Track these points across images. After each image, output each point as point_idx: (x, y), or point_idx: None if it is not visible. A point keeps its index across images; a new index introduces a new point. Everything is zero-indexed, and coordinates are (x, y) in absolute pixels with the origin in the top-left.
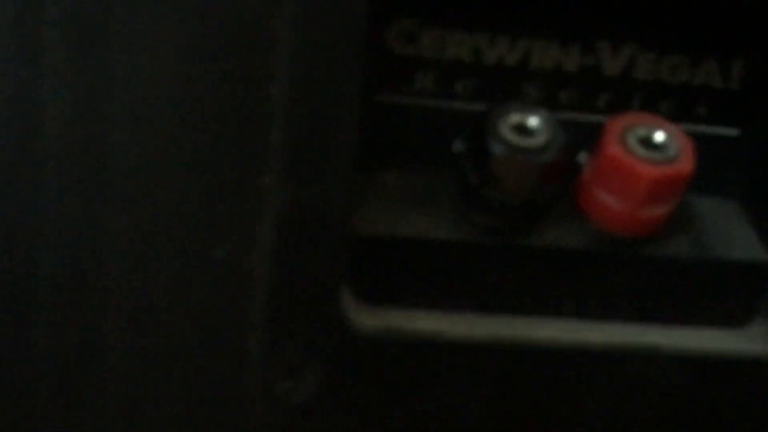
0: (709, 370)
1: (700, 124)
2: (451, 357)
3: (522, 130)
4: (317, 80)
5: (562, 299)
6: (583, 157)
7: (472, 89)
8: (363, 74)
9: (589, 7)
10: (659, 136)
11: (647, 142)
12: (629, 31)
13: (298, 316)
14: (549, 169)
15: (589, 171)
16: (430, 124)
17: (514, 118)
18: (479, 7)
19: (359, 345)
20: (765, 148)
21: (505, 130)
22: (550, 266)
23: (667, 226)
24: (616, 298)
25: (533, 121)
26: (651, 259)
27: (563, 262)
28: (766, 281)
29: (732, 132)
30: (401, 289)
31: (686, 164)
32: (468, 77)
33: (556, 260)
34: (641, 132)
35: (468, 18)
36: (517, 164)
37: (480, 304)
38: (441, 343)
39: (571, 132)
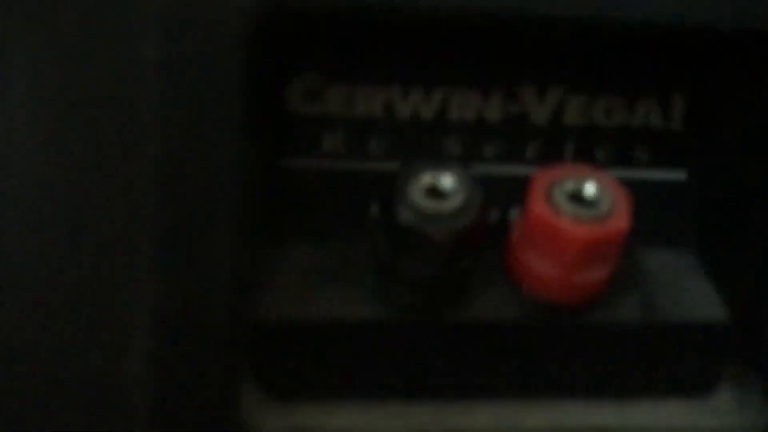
0: None
1: (642, 168)
2: None
3: (434, 192)
4: (189, 154)
5: (498, 379)
6: (514, 214)
7: (386, 147)
8: (244, 145)
9: (509, 51)
10: (590, 190)
11: (576, 198)
12: (555, 74)
13: (187, 423)
14: (468, 234)
15: (517, 232)
16: (342, 188)
17: (426, 179)
18: (388, 58)
19: None
20: (716, 190)
21: (415, 194)
22: (482, 342)
23: (612, 288)
24: (558, 374)
25: (447, 182)
26: (594, 328)
27: (496, 336)
28: (728, 343)
29: (679, 175)
30: (312, 381)
31: (621, 220)
32: (381, 134)
33: (488, 335)
34: (569, 186)
35: (376, 70)
36: (430, 232)
37: (405, 392)
38: None
39: (495, 189)
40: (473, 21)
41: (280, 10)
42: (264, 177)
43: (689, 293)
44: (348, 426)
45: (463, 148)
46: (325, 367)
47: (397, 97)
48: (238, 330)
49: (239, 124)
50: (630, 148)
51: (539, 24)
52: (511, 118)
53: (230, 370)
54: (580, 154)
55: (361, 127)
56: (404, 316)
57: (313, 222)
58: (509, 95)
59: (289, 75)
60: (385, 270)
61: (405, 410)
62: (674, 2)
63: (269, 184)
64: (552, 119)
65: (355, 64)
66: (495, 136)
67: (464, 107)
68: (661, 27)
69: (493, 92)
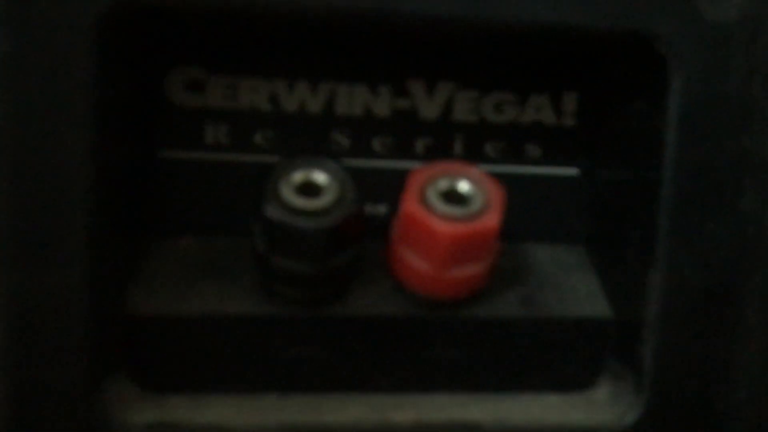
0: None
1: (534, 165)
2: None
3: (306, 188)
4: (40, 148)
5: (375, 374)
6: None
7: (272, 141)
8: (94, 134)
9: (397, 46)
10: (463, 188)
11: (449, 196)
12: (444, 70)
13: (48, 419)
14: (341, 230)
15: (394, 229)
16: (227, 181)
17: (298, 175)
18: (272, 50)
19: None
20: (606, 187)
21: (286, 190)
22: (359, 337)
23: (495, 283)
24: (436, 369)
25: (320, 178)
26: (472, 322)
27: (373, 331)
28: (608, 339)
29: (571, 172)
30: (186, 375)
31: (491, 218)
32: (266, 128)
33: (365, 330)
34: (443, 184)
35: (262, 63)
36: (298, 230)
37: (279, 386)
38: None
39: (383, 184)
40: (354, 19)
41: (131, 2)
42: (145, 169)
43: (573, 289)
44: (220, 420)
45: (352, 143)
46: (200, 361)
47: (282, 90)
48: (104, 323)
49: (92, 116)
50: (521, 145)
51: (423, 22)
52: (399, 113)
53: (94, 363)
54: (470, 150)
55: (246, 120)
56: (281, 311)
57: (197, 215)
58: (398, 90)
59: (168, 66)
60: (263, 265)
61: (278, 404)
62: (552, 3)
63: (151, 176)
64: (441, 115)
65: (237, 56)
66: (383, 131)
67: (352, 101)
68: (540, 27)
69: (381, 87)
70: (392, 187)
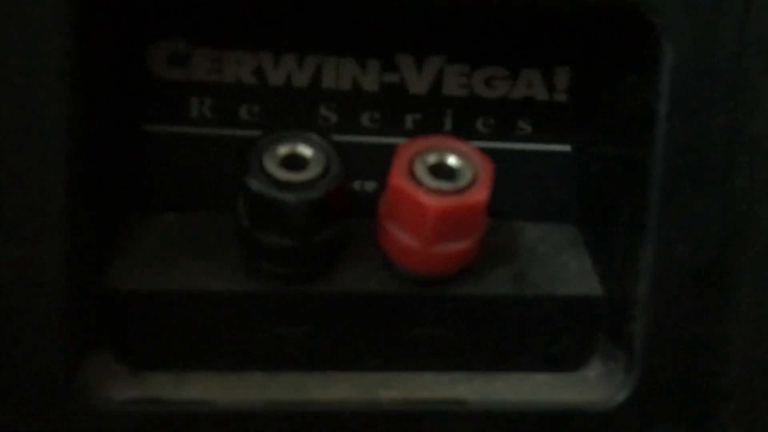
0: (529, 427)
1: (524, 141)
2: (219, 430)
3: (292, 162)
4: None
5: (362, 351)
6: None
7: (257, 115)
8: (72, 107)
9: (385, 19)
10: (451, 163)
11: (437, 170)
12: (434, 44)
13: (28, 396)
14: (325, 204)
15: (382, 204)
16: (211, 156)
17: (282, 148)
18: (259, 22)
19: (108, 419)
20: (598, 164)
21: (270, 163)
22: (346, 314)
23: (485, 260)
24: (424, 347)
25: (305, 152)
26: (461, 299)
27: (360, 308)
28: (600, 317)
29: (563, 148)
30: (170, 351)
31: (479, 193)
32: (252, 102)
33: (352, 307)
34: (431, 158)
35: (247, 35)
36: (281, 203)
37: (264, 363)
38: (206, 414)
39: (372, 159)
40: None
41: None
42: (128, 143)
43: (564, 267)
44: (204, 397)
45: (339, 118)
46: (183, 338)
47: (268, 63)
48: (84, 298)
49: (69, 88)
50: (513, 121)
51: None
52: (388, 87)
53: (74, 339)
54: (460, 126)
55: (231, 94)
56: (265, 288)
57: (181, 190)
58: (386, 64)
59: (151, 38)
60: (247, 240)
61: (263, 382)
62: None
63: (134, 150)
64: (431, 90)
65: (222, 29)
66: (372, 106)
67: (339, 76)
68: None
69: (369, 61)
70: (381, 163)
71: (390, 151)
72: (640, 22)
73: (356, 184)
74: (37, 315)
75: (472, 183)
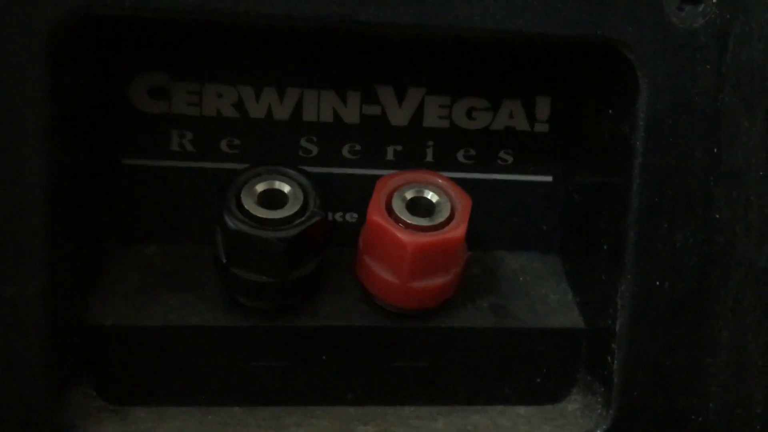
0: None
1: (506, 172)
2: None
3: (270, 198)
4: None
5: (341, 385)
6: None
7: (238, 148)
8: (49, 144)
9: (367, 51)
10: (429, 198)
11: (415, 205)
12: (415, 76)
13: (8, 429)
14: (302, 242)
15: (361, 239)
16: (192, 189)
17: (261, 185)
18: (239, 56)
19: None
20: (580, 195)
21: (248, 200)
22: (325, 347)
23: (466, 292)
24: (403, 380)
25: (284, 188)
26: (440, 333)
27: (339, 342)
28: (580, 350)
29: (545, 179)
30: (148, 386)
31: (457, 229)
32: (233, 135)
33: (331, 340)
34: (409, 194)
35: (227, 68)
36: (259, 241)
37: (244, 398)
38: None
39: (353, 192)
40: (318, 27)
41: (83, 14)
42: (109, 176)
43: (545, 299)
44: None
45: (320, 150)
46: (162, 373)
47: (248, 96)
48: (64, 334)
49: (47, 125)
50: (494, 151)
51: (388, 31)
52: (369, 119)
53: (55, 375)
54: (441, 157)
55: (211, 127)
56: (244, 322)
57: (162, 223)
58: (367, 96)
59: (131, 72)
60: (225, 275)
61: (242, 417)
62: (520, 11)
63: (115, 183)
64: (412, 121)
65: (202, 62)
66: (353, 137)
67: (320, 108)
68: (508, 35)
69: (350, 93)
70: (362, 194)
71: (371, 182)
72: (618, 59)
73: (338, 216)
74: (18, 351)
75: (450, 218)
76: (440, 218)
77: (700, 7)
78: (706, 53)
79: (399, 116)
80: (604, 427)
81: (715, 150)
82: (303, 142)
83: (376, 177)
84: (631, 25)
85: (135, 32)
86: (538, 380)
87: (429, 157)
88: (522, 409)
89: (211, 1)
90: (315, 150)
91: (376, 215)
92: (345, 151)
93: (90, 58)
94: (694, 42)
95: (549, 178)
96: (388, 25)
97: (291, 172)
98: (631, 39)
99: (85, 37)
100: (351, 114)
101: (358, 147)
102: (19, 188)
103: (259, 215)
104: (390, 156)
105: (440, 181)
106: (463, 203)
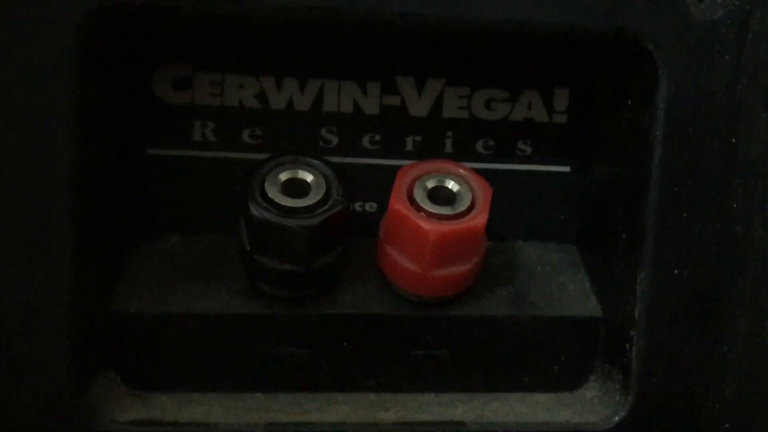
0: None
1: (524, 162)
2: None
3: (293, 187)
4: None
5: (362, 372)
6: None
7: (259, 139)
8: (76, 135)
9: (387, 43)
10: (450, 187)
11: (436, 195)
12: (434, 67)
13: (35, 418)
14: (325, 230)
15: (382, 228)
16: (215, 179)
17: (284, 174)
18: (261, 47)
19: None
20: (598, 185)
21: (272, 189)
22: (346, 335)
23: (484, 281)
24: (424, 368)
25: (306, 177)
26: (461, 322)
27: (360, 330)
28: (598, 338)
29: (563, 169)
30: (173, 373)
31: (478, 218)
32: (254, 125)
33: (352, 328)
34: (430, 183)
35: (249, 60)
36: (283, 229)
37: (266, 384)
38: None
39: (373, 181)
40: (340, 19)
41: (110, 6)
42: (133, 166)
43: (563, 288)
44: (206, 418)
45: (341, 141)
46: (186, 360)
47: (269, 87)
48: (90, 322)
49: (73, 117)
50: (513, 142)
51: (410, 22)
52: (389, 110)
53: (80, 362)
54: (460, 148)
55: (233, 118)
56: (267, 310)
57: (185, 213)
58: (387, 87)
59: (154, 64)
60: (248, 264)
61: (264, 403)
62: (541, 3)
63: (139, 173)
64: (431, 112)
65: (224, 53)
66: (373, 128)
67: (340, 99)
68: (528, 27)
69: (370, 84)
70: (382, 185)
71: (391, 172)
72: (637, 50)
73: (357, 205)
74: (46, 339)
75: (471, 207)
76: (461, 207)
77: (721, 0)
78: (725, 45)
79: (419, 107)
80: (622, 413)
81: (733, 141)
82: (323, 133)
83: (396, 167)
84: (651, 16)
85: (159, 24)
86: (557, 368)
87: (448, 148)
88: (541, 396)
89: None
90: (335, 140)
91: (398, 204)
92: (365, 142)
93: (115, 51)
94: (714, 34)
95: (567, 169)
96: (410, 16)
97: (314, 161)
98: (651, 30)
99: (111, 30)
100: (371, 105)
101: (378, 137)
102: (46, 180)
103: (282, 203)
104: (409, 146)
105: (461, 170)
106: (484, 192)
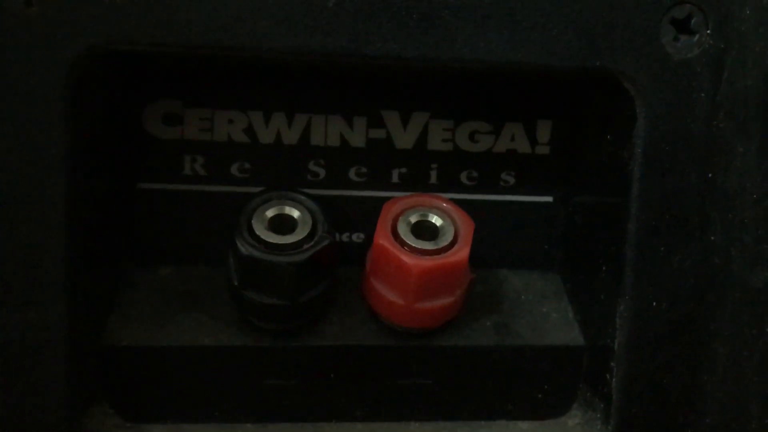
0: None
1: (508, 193)
2: None
3: (280, 223)
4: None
5: (350, 402)
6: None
7: (248, 172)
8: (68, 173)
9: (372, 78)
10: (433, 222)
11: (419, 229)
12: (419, 101)
13: None
14: (312, 265)
15: (368, 261)
16: (204, 212)
17: (271, 210)
18: (249, 83)
19: None
20: (580, 215)
21: (259, 225)
22: (333, 366)
23: (469, 310)
24: (410, 397)
25: (293, 213)
26: (446, 351)
27: (347, 360)
28: (581, 366)
29: (546, 199)
30: (165, 404)
31: (460, 252)
32: (243, 159)
33: (339, 359)
34: (413, 217)
35: (238, 95)
36: (270, 266)
37: (257, 415)
38: None
39: (360, 213)
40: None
41: (101, 50)
42: (125, 200)
43: (547, 317)
44: None
45: (328, 173)
46: (178, 391)
47: (258, 122)
48: (83, 356)
49: (66, 155)
50: (496, 173)
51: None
52: (375, 143)
53: (75, 395)
54: (445, 179)
55: (222, 152)
56: (256, 342)
57: (176, 245)
58: (373, 121)
59: (145, 100)
60: (237, 298)
61: None
62: (520, 44)
63: (131, 207)
64: (416, 145)
65: (213, 90)
66: (359, 161)
67: (327, 133)
68: (509, 66)
69: (356, 118)
70: (369, 216)
71: (377, 203)
72: (616, 88)
73: (345, 236)
74: (40, 373)
75: (454, 242)
76: (444, 242)
77: (695, 38)
78: (701, 82)
79: (404, 140)
80: None
81: (711, 174)
82: (311, 166)
83: (382, 199)
84: (628, 56)
85: (149, 63)
86: (540, 396)
87: (433, 179)
88: (524, 424)
89: (224, 39)
90: (322, 173)
91: (382, 239)
92: (352, 174)
93: (106, 88)
94: (690, 71)
95: (550, 199)
96: (393, 58)
97: (300, 197)
98: (628, 69)
99: (102, 70)
100: (357, 138)
101: (364, 170)
102: (40, 216)
103: (269, 240)
104: (395, 178)
105: (444, 204)
106: (466, 227)
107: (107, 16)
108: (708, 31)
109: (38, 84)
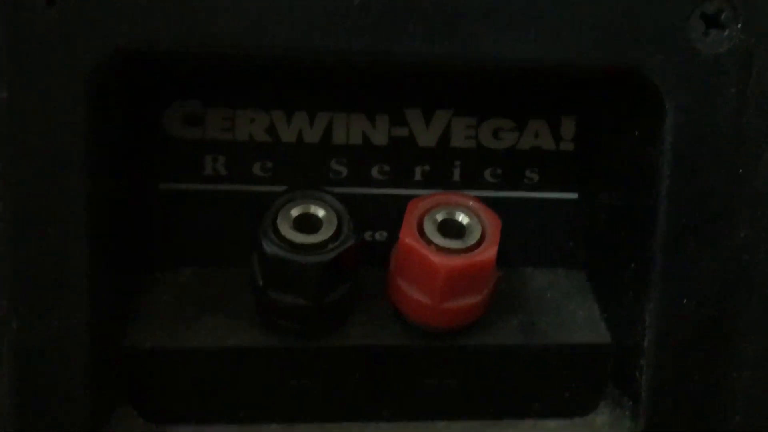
0: None
1: (532, 190)
2: None
3: (305, 223)
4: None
5: (376, 403)
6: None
7: (270, 171)
8: (90, 178)
9: (393, 75)
10: (460, 220)
11: (446, 228)
12: (441, 98)
13: None
14: (337, 265)
15: (393, 260)
16: (226, 212)
17: (296, 210)
18: (270, 82)
19: None
20: (605, 212)
21: (284, 225)
22: (358, 367)
23: (494, 309)
24: (437, 397)
25: (318, 212)
26: (472, 351)
27: (373, 361)
28: (608, 364)
29: (570, 196)
30: (189, 406)
31: (488, 251)
32: (265, 158)
33: (365, 360)
34: (440, 216)
35: (259, 94)
36: (296, 265)
37: (282, 416)
38: None
39: (383, 212)
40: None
41: (121, 54)
42: (146, 202)
43: (573, 315)
44: None
45: (350, 172)
46: (201, 393)
47: (280, 121)
48: (106, 359)
49: (88, 159)
50: (520, 170)
51: (415, 62)
52: (397, 141)
53: (98, 399)
54: (468, 177)
55: (244, 151)
56: (280, 343)
57: (197, 246)
58: (395, 119)
59: (166, 101)
60: (261, 298)
61: None
62: (546, 42)
63: (152, 208)
64: (439, 142)
65: (234, 89)
66: (382, 159)
67: (349, 131)
68: (535, 64)
69: (378, 116)
70: (392, 214)
71: (400, 202)
72: (644, 84)
73: (368, 235)
74: (64, 377)
75: (481, 240)
76: (471, 240)
77: (725, 33)
78: (730, 78)
79: (427, 137)
80: None
81: (740, 171)
82: (333, 164)
83: (405, 197)
84: (656, 52)
85: (170, 65)
86: (567, 394)
87: (456, 177)
88: (552, 423)
89: (245, 42)
90: (345, 171)
91: (408, 238)
92: (374, 172)
93: (126, 90)
94: (719, 67)
95: (575, 196)
96: (420, 57)
97: (325, 196)
98: (657, 66)
99: (125, 71)
100: (380, 136)
101: (387, 168)
102: (62, 221)
103: (294, 240)
104: (418, 176)
105: (471, 203)
106: (493, 225)
107: (132, 17)
108: (738, 26)
109: (60, 86)
